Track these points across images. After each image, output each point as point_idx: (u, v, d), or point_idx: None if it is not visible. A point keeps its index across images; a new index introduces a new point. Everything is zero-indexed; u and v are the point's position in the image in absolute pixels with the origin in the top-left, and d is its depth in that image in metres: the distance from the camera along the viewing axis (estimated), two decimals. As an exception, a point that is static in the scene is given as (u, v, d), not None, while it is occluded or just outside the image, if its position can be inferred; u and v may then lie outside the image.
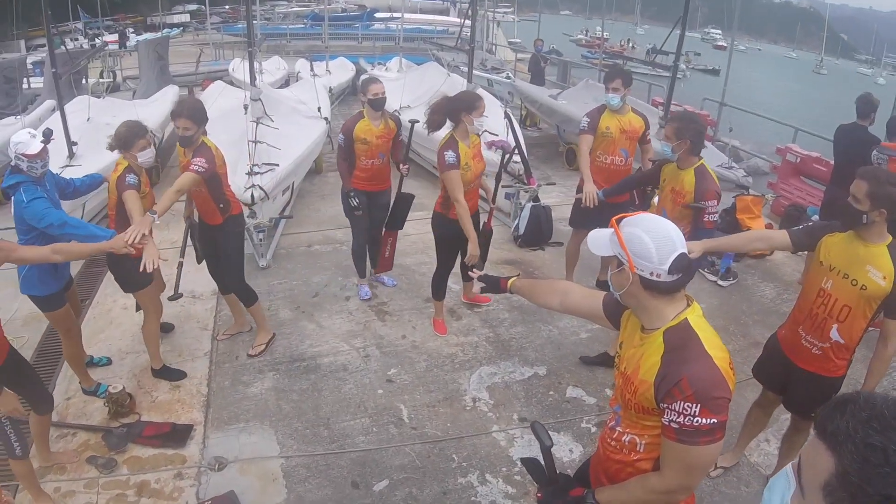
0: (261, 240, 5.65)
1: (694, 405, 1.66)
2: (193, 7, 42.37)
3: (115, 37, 23.70)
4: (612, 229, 1.84)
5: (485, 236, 4.88)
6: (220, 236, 4.26)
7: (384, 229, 5.25)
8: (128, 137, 3.76)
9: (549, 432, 2.07)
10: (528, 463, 2.19)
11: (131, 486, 3.38)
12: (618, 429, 1.96)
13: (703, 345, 1.74)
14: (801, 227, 3.30)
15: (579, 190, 5.00)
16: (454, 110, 4.34)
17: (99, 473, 3.44)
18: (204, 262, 4.60)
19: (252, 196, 5.37)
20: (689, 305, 1.83)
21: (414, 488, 3.44)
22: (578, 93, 10.07)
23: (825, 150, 7.81)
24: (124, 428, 3.75)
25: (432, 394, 4.20)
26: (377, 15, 33.14)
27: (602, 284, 5.73)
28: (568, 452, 3.74)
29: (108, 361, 4.42)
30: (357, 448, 3.68)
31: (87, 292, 5.32)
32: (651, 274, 1.75)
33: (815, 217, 6.62)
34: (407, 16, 23.60)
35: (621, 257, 1.79)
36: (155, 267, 3.29)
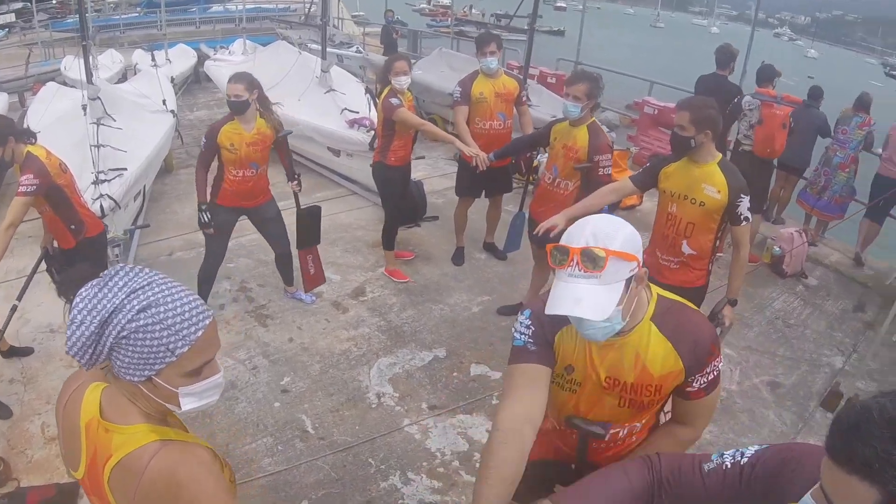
0: (117, 256, 5.03)
1: (718, 359, 1.69)
2: (19, 5, 38.27)
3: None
4: (590, 277, 1.47)
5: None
6: (75, 261, 3.67)
7: (297, 249, 4.78)
8: None
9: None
10: None
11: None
12: (615, 434, 1.83)
13: (687, 305, 1.74)
14: (640, 170, 3.60)
15: (461, 161, 5.12)
16: (384, 73, 4.74)
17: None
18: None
19: (101, 208, 4.75)
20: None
21: (336, 503, 3.20)
22: (433, 62, 10.01)
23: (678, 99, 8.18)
24: (4, 500, 3.21)
25: (333, 397, 3.93)
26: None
27: (489, 247, 5.79)
28: (485, 434, 3.61)
29: None
30: (265, 472, 3.34)
31: None
32: (642, 257, 1.60)
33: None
34: (246, -4, 22.50)
35: (633, 270, 1.52)
36: None
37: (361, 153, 6.53)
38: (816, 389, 4.38)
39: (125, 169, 5.36)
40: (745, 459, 1.34)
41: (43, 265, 3.83)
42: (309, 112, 7.09)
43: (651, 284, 1.71)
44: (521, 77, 5.48)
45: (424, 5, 53.54)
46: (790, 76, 20.14)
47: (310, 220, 4.74)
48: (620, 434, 1.82)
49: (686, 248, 3.31)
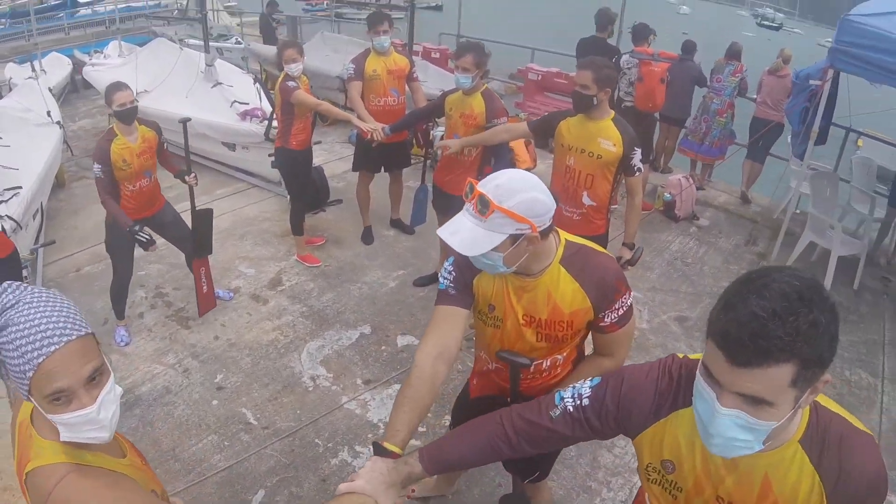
0: (25, 277, 4.85)
1: (626, 295, 1.86)
2: None
3: None
4: (476, 218, 1.65)
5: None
6: None
7: (191, 259, 4.57)
8: None
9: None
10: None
11: None
12: (539, 366, 2.04)
13: (594, 248, 1.90)
14: (536, 119, 3.87)
15: (358, 138, 5.26)
16: (278, 61, 4.93)
17: None
18: None
19: (3, 230, 4.56)
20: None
21: (292, 486, 3.30)
22: (315, 46, 9.92)
23: (563, 64, 8.50)
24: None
25: (269, 387, 4.00)
26: (81, 0, 29.74)
27: (397, 223, 5.98)
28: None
29: None
30: (217, 469, 3.39)
31: None
32: (549, 220, 1.72)
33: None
34: (113, -4, 21.40)
35: (520, 230, 1.65)
36: None
37: (257, 145, 6.50)
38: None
39: (20, 187, 5.17)
40: (587, 401, 1.48)
41: None
42: (198, 109, 6.87)
43: (560, 231, 1.88)
44: (407, 54, 5.62)
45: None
46: (666, 35, 21.06)
47: (202, 224, 4.49)
48: (544, 365, 2.04)
49: (587, 199, 3.54)
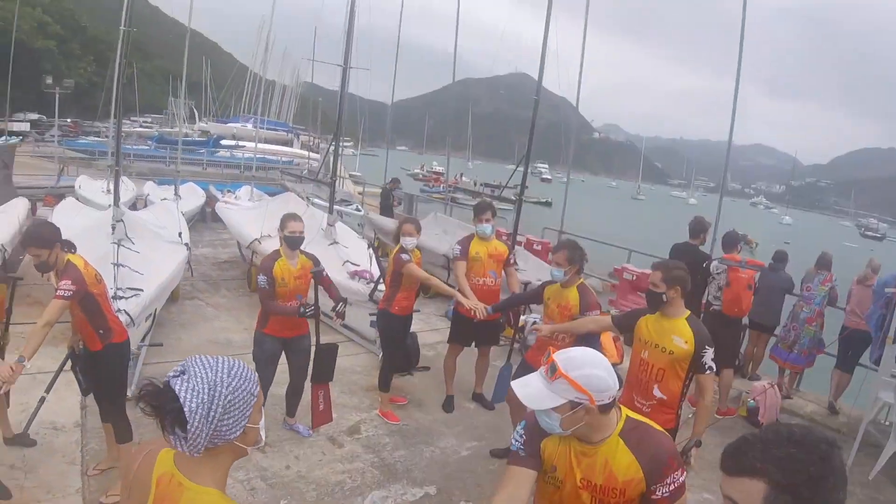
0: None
1: (678, 472, 2.03)
2: (35, 116, 40.20)
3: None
4: (545, 379, 1.97)
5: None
6: (99, 362, 3.92)
7: (311, 383, 4.97)
8: None
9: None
10: None
11: None
12: None
13: (653, 426, 2.10)
14: (621, 314, 4.08)
15: (455, 313, 5.67)
16: (397, 232, 5.45)
17: None
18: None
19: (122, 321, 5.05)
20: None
21: None
22: (429, 225, 10.56)
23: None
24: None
25: (329, 524, 4.03)
26: (223, 142, 33.18)
27: (478, 397, 6.02)
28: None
29: None
30: None
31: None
32: (609, 398, 1.95)
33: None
34: (254, 145, 23.89)
35: (579, 399, 1.92)
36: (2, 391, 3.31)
37: (361, 303, 6.91)
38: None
39: (141, 290, 5.71)
40: None
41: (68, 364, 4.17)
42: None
43: (623, 407, 2.11)
44: (510, 243, 6.10)
45: (418, 171, 56.15)
46: (767, 243, 21.25)
47: (326, 357, 4.94)
48: None
49: (657, 392, 3.67)
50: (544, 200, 40.99)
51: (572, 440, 2.05)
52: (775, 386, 6.49)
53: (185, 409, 1.40)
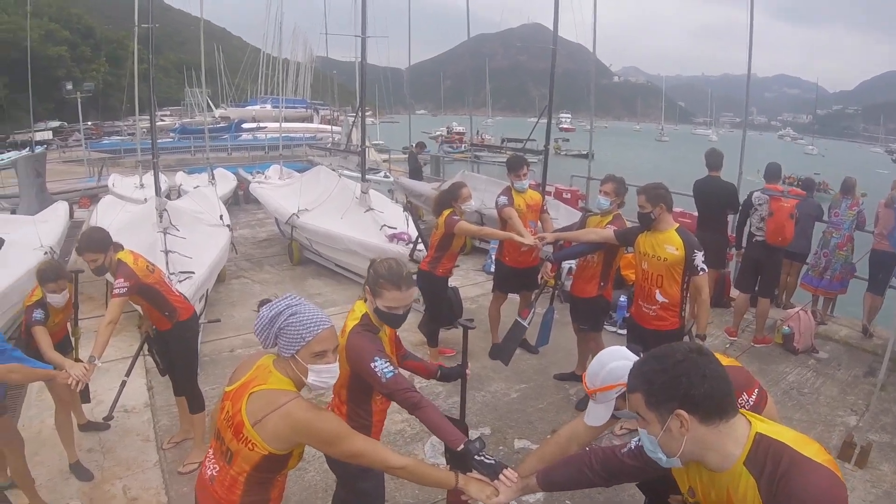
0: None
1: None
2: (56, 124, 41.12)
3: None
4: (592, 403, 2.42)
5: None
6: (170, 340, 4.24)
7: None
8: (40, 277, 4.00)
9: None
10: None
11: None
12: None
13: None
14: (620, 230, 4.69)
15: (498, 263, 5.99)
16: (448, 197, 5.56)
17: None
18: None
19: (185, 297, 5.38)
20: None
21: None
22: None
23: (684, 204, 8.84)
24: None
25: (393, 468, 4.34)
26: (244, 125, 33.61)
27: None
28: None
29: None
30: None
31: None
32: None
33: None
34: (276, 125, 24.19)
35: (618, 391, 2.23)
36: (80, 389, 3.61)
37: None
38: (833, 444, 4.69)
39: (193, 273, 6.07)
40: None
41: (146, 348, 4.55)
42: (351, 229, 7.91)
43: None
44: (540, 191, 6.29)
45: (440, 133, 55.83)
46: (799, 175, 21.05)
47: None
48: None
49: (659, 297, 4.29)
50: (584, 153, 41.21)
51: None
52: (808, 311, 6.62)
53: (258, 318, 2.10)
